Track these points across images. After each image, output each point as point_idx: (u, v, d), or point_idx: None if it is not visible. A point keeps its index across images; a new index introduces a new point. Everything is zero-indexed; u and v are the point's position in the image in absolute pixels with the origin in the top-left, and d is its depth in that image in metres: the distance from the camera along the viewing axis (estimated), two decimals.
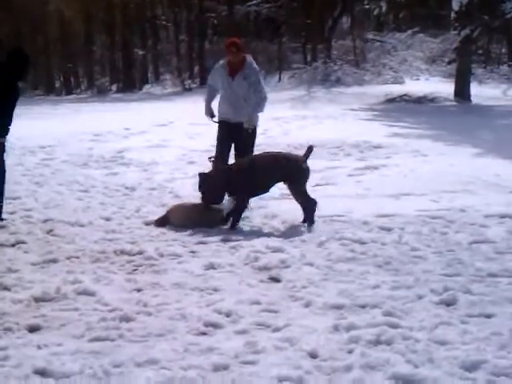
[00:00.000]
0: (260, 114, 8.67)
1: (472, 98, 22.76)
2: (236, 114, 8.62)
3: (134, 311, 5.06)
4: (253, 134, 8.66)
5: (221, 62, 8.79)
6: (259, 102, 8.54)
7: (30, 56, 7.98)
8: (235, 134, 8.59)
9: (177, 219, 7.75)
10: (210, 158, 8.39)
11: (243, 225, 7.76)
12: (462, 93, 22.82)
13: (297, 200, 7.88)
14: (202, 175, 7.92)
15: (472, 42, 23.30)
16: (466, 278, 5.76)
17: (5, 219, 7.83)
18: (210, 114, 8.82)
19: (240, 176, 7.72)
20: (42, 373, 4.08)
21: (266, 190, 8.00)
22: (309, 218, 7.74)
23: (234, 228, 7.64)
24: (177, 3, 39.46)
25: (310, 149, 7.92)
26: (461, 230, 7.39)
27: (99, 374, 4.04)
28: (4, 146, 7.83)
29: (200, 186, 7.90)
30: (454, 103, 22.42)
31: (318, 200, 8.01)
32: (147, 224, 7.83)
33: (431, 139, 14.24)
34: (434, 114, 19.88)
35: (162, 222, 7.76)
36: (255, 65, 8.69)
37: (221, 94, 8.79)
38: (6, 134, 7.78)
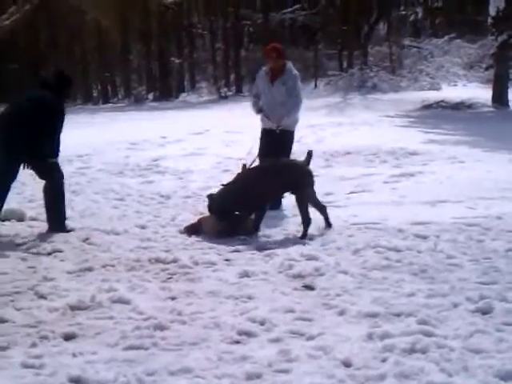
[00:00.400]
0: (297, 120, 8.72)
1: (510, 104, 22.52)
2: (273, 119, 8.72)
3: (168, 320, 5.08)
4: (288, 139, 8.70)
5: (263, 68, 8.90)
6: (293, 106, 8.64)
7: (72, 79, 8.33)
8: (274, 140, 8.69)
9: (208, 227, 7.75)
10: (244, 165, 8.40)
11: (277, 233, 7.76)
12: (499, 99, 22.59)
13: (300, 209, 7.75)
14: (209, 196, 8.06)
15: (510, 47, 23.04)
16: (502, 286, 5.69)
17: (73, 229, 7.91)
18: (259, 109, 8.97)
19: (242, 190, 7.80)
20: (76, 381, 4.11)
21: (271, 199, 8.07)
22: (327, 221, 7.84)
23: (257, 229, 7.74)
24: (213, 11, 39.66)
25: (309, 154, 7.91)
26: (497, 237, 7.31)
27: (133, 383, 4.06)
28: (57, 165, 7.91)
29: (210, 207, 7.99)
30: (492, 109, 22.20)
31: (353, 207, 7.98)
32: (182, 232, 7.86)
33: (468, 145, 14.12)
34: (471, 120, 19.71)
35: (193, 231, 7.76)
36: (295, 71, 8.80)
37: (262, 100, 8.89)
38: (57, 155, 7.85)
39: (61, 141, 7.82)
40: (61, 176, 7.89)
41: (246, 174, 8.08)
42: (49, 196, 7.88)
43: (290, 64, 8.84)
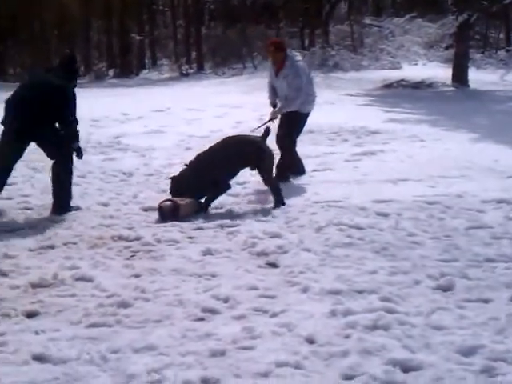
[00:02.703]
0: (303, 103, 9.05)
1: (470, 84, 22.70)
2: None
3: (132, 297, 5.07)
4: (293, 119, 9.06)
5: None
6: (291, 99, 8.91)
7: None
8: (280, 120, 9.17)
9: (187, 210, 7.62)
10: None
11: (240, 209, 7.76)
12: (459, 78, 22.75)
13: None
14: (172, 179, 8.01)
15: (470, 27, 23.25)
16: (462, 264, 5.77)
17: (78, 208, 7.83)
18: (272, 104, 9.34)
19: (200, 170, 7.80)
20: (39, 358, 4.09)
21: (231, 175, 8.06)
22: (277, 200, 7.87)
23: (206, 209, 7.74)
24: None
25: (266, 130, 8.10)
26: (458, 215, 7.39)
27: (97, 360, 4.05)
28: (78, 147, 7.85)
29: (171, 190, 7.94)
30: (452, 88, 22.36)
31: (315, 185, 8.01)
32: (144, 210, 7.83)
33: (428, 124, 14.24)
34: (431, 99, 19.85)
35: (169, 215, 7.43)
36: (297, 63, 9.00)
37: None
38: (78, 140, 7.78)
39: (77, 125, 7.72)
40: (70, 156, 7.76)
41: (205, 152, 8.05)
42: (55, 175, 7.73)
43: (291, 56, 9.03)
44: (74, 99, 7.60)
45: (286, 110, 8.97)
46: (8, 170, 7.81)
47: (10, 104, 7.63)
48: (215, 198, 7.88)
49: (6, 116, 7.66)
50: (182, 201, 7.56)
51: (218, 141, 8.27)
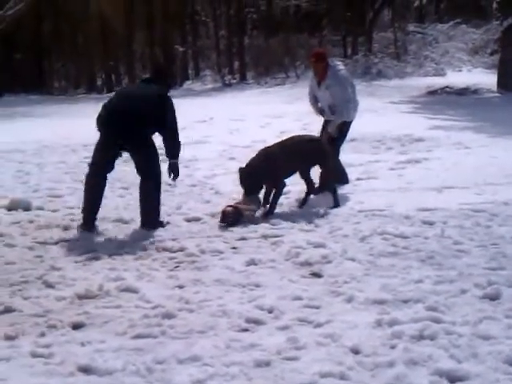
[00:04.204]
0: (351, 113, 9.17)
1: None
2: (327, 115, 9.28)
3: (176, 308, 5.09)
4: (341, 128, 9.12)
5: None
6: (340, 112, 9.02)
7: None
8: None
9: (249, 217, 7.71)
10: None
11: (283, 219, 7.74)
12: (504, 84, 22.45)
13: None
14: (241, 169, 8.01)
15: None
16: (510, 272, 5.69)
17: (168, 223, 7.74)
18: (319, 111, 9.43)
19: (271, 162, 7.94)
20: (85, 370, 4.12)
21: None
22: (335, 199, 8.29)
23: (271, 214, 7.82)
24: None
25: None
26: (504, 223, 7.30)
27: (142, 371, 4.07)
28: (177, 166, 7.74)
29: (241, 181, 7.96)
30: (497, 94, 22.10)
31: (359, 194, 8.09)
32: (188, 220, 7.85)
33: (473, 131, 14.08)
34: (476, 105, 19.63)
35: (232, 219, 7.54)
36: (341, 73, 9.06)
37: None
38: (178, 155, 7.71)
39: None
40: (159, 171, 7.61)
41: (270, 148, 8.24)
42: (145, 193, 7.61)
43: (334, 66, 9.07)
44: (174, 109, 7.54)
45: (339, 122, 9.03)
46: (105, 179, 7.64)
47: (110, 114, 7.43)
48: (278, 199, 8.03)
49: (105, 125, 7.42)
50: (244, 205, 7.68)
51: (283, 138, 8.53)
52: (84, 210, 7.53)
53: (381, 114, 17.63)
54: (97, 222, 7.56)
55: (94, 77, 43.19)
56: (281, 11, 35.43)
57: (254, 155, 8.12)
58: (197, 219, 7.81)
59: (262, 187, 7.99)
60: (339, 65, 9.19)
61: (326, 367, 4.05)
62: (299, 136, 8.66)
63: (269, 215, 7.80)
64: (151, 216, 7.54)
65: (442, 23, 33.63)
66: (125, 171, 9.49)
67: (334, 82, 8.88)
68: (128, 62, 41.83)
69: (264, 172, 7.83)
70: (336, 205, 8.16)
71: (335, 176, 8.77)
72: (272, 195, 7.99)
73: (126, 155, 7.70)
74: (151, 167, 7.53)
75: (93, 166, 7.60)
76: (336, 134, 9.00)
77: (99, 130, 7.48)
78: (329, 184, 8.36)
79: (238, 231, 7.27)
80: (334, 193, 8.27)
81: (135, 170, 7.68)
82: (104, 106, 7.53)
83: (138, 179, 10.20)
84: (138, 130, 7.33)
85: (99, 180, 7.57)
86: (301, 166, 8.23)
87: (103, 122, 7.42)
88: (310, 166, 8.31)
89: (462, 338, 4.38)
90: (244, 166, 8.00)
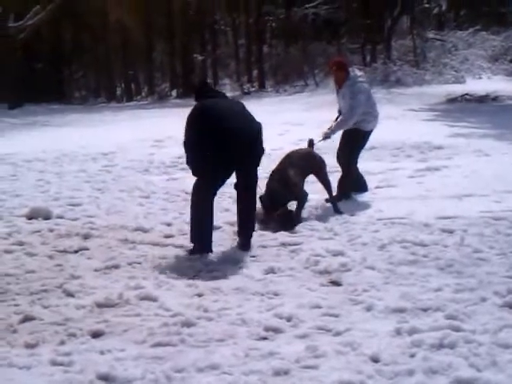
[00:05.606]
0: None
1: None
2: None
3: (195, 316, 5.10)
4: (353, 136, 9.08)
5: None
6: (341, 120, 9.03)
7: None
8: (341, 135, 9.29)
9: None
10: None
11: (302, 227, 7.74)
12: None
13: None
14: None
15: None
16: None
17: None
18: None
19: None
20: (105, 378, 4.14)
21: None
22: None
23: (298, 223, 7.86)
24: (235, 8, 39.62)
25: (311, 142, 8.80)
26: None
27: (161, 380, 4.08)
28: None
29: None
30: None
31: (378, 202, 8.10)
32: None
33: (494, 139, 14.01)
34: (496, 113, 19.53)
35: (287, 221, 7.80)
36: (359, 84, 8.97)
37: None
38: None
39: None
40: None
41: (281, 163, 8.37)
42: (247, 203, 7.22)
43: (354, 77, 9.02)
44: None
45: (338, 130, 9.02)
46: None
47: (233, 136, 6.87)
48: (303, 208, 8.10)
49: (227, 149, 6.84)
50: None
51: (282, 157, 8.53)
52: (205, 233, 7.01)
53: (400, 122, 17.60)
54: (116, 230, 7.60)
55: (113, 86, 43.45)
56: (299, 19, 35.40)
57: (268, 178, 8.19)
58: (216, 227, 7.81)
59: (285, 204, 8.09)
60: (360, 76, 9.10)
61: (346, 376, 4.04)
62: (296, 150, 8.69)
63: (296, 224, 7.80)
64: (251, 234, 7.24)
65: (461, 30, 33.47)
66: (144, 180, 9.53)
67: (349, 91, 8.85)
68: (147, 71, 42.05)
69: (284, 193, 7.96)
70: (336, 211, 8.33)
71: (342, 190, 8.93)
72: (296, 205, 8.00)
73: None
74: (255, 178, 7.21)
75: (207, 191, 7.16)
76: (327, 135, 8.97)
77: (217, 155, 6.88)
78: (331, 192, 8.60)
79: (257, 239, 7.27)
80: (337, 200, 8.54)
81: (236, 185, 7.26)
82: (214, 130, 6.97)
83: (156, 187, 10.31)
84: (261, 148, 7.18)
85: (212, 204, 7.20)
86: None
87: (224, 147, 6.82)
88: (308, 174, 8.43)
89: (481, 347, 4.36)
90: (263, 192, 8.03)
